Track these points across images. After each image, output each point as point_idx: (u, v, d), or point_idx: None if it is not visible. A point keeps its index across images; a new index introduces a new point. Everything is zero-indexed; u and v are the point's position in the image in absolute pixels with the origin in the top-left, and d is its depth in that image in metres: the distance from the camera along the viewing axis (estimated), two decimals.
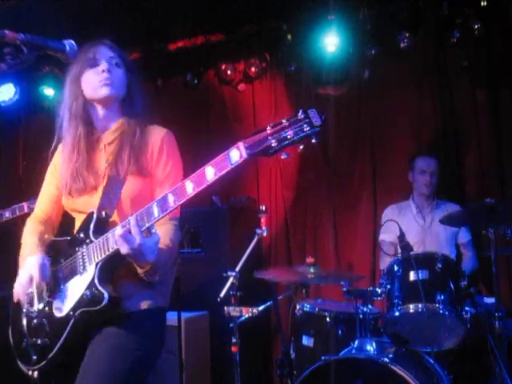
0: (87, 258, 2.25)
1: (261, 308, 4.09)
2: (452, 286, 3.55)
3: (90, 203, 2.37)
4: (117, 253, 2.14)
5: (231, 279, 4.05)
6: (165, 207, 2.01)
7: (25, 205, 4.40)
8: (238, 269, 4.11)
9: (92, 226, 2.28)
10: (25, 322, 2.36)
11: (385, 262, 4.54)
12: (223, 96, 5.91)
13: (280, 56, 5.57)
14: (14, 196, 6.23)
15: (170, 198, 2.00)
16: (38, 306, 2.34)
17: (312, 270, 3.99)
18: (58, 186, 2.53)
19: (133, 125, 2.41)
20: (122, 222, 2.10)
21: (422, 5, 4.96)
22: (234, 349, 4.07)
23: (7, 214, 4.37)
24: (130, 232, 2.05)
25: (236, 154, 1.87)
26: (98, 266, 2.20)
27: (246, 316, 4.05)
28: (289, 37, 5.34)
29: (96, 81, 2.37)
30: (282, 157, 1.89)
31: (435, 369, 3.49)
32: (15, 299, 2.39)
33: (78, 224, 2.42)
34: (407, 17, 5.01)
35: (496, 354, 3.51)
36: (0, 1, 4.63)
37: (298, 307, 4.11)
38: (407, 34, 5.00)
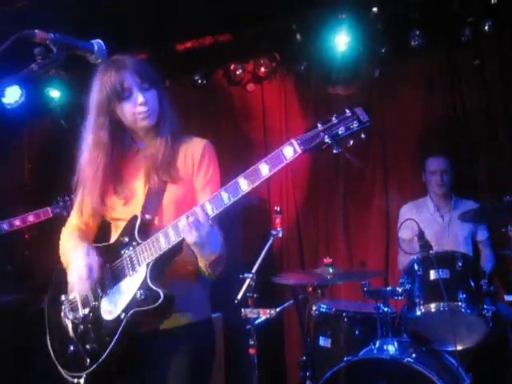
0: (136, 259, 2.28)
1: (278, 309, 4.06)
2: (473, 284, 3.55)
3: (130, 212, 2.39)
4: (167, 253, 2.20)
5: (248, 281, 4.03)
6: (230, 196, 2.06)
7: (49, 209, 4.37)
8: (254, 270, 4.09)
9: (137, 228, 2.30)
10: (70, 328, 2.38)
11: (401, 262, 4.53)
12: (232, 96, 5.87)
13: (290, 56, 5.54)
14: (19, 198, 6.21)
15: (224, 195, 2.07)
16: (83, 311, 2.35)
17: (330, 271, 3.97)
18: (93, 202, 2.50)
19: (168, 136, 2.41)
20: (186, 213, 2.11)
21: (432, 3, 4.93)
22: (251, 351, 4.03)
23: (31, 218, 4.32)
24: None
25: (290, 150, 1.98)
26: (150, 266, 2.23)
27: (264, 318, 4.03)
28: (298, 36, 5.31)
29: (135, 113, 2.35)
30: (334, 151, 1.97)
31: (457, 368, 3.48)
32: (71, 297, 2.40)
33: (115, 232, 2.46)
34: (418, 15, 4.98)
35: None
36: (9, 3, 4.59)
37: (314, 308, 4.09)
38: (418, 33, 4.97)
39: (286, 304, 4.22)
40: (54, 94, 6.21)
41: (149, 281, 2.21)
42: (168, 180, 2.37)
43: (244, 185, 2.03)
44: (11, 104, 6.06)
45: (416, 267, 3.63)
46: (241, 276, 4.02)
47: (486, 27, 4.78)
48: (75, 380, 2.31)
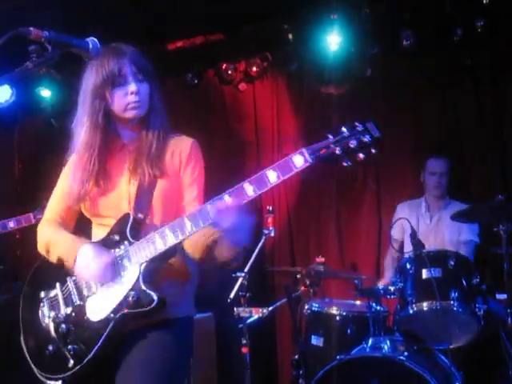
0: (127, 259, 2.20)
1: (271, 308, 4.07)
2: (465, 283, 3.57)
3: (113, 207, 2.34)
4: (162, 254, 2.15)
5: (240, 280, 4.03)
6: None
7: (31, 215, 4.30)
8: (246, 269, 4.10)
9: (129, 227, 2.24)
10: (51, 328, 2.29)
11: (387, 264, 4.56)
12: (224, 96, 5.87)
13: (282, 55, 5.55)
14: (9, 199, 6.18)
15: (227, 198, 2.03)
16: (65, 310, 2.28)
17: (322, 269, 3.99)
18: (73, 190, 2.43)
19: (160, 130, 2.39)
20: (210, 200, 2.07)
21: (424, 3, 4.95)
22: (244, 350, 4.05)
23: (12, 225, 4.25)
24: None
25: (300, 159, 1.98)
26: (143, 267, 2.17)
27: (256, 317, 4.04)
28: (290, 36, 5.32)
29: (125, 102, 2.32)
30: (344, 164, 1.99)
31: (449, 366, 3.50)
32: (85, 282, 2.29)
33: (97, 230, 2.40)
34: (409, 15, 5.01)
35: (509, 349, 3.53)
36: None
37: (306, 307, 4.10)
38: (409, 33, 4.99)
39: (279, 303, 4.24)
40: (45, 93, 6.18)
41: (141, 282, 2.15)
42: (158, 174, 2.32)
43: (250, 190, 2.00)
44: (1, 103, 6.03)
45: (408, 266, 3.65)
46: (233, 275, 4.03)
47: (478, 27, 4.80)
48: (52, 382, 2.24)
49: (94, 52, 2.08)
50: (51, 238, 2.41)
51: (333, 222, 5.43)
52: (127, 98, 2.30)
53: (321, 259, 4.01)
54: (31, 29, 1.90)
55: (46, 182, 5.13)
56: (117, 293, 2.18)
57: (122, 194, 2.35)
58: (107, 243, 2.28)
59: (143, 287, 2.14)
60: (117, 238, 2.25)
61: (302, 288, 4.15)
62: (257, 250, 4.20)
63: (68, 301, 2.29)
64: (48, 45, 1.94)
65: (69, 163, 2.48)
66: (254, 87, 5.78)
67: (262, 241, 4.27)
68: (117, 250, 2.24)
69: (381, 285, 4.26)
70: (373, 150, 1.98)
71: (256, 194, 2.00)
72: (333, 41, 5.14)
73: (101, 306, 2.20)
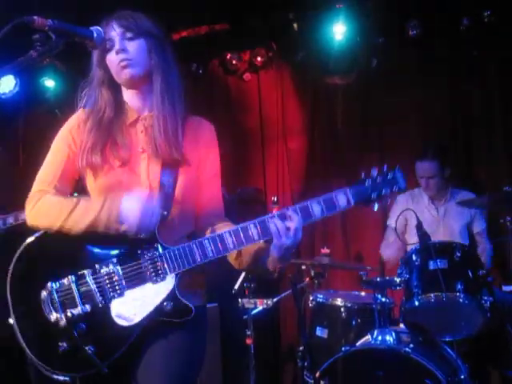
0: (161, 265, 2.08)
1: (275, 299, 4.07)
2: (471, 274, 3.54)
3: (126, 190, 2.10)
4: (200, 265, 2.09)
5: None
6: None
7: None
8: None
9: (156, 227, 2.08)
10: (66, 324, 2.08)
11: (384, 253, 4.55)
12: (228, 86, 5.85)
13: (287, 45, 5.51)
14: (14, 189, 6.16)
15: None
16: (83, 308, 2.09)
17: (327, 261, 3.98)
18: (72, 158, 2.22)
19: (165, 95, 2.20)
20: (278, 212, 2.09)
21: None
22: (248, 341, 4.06)
23: (10, 220, 4.10)
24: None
25: (343, 199, 2.12)
26: (179, 277, 2.09)
27: (260, 308, 4.04)
28: (295, 26, 5.28)
29: (115, 65, 2.17)
30: (374, 209, 2.17)
31: (455, 358, 3.49)
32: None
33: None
34: (415, 5, 4.97)
35: None
36: None
37: (310, 298, 4.09)
38: (415, 23, 4.96)
39: (283, 294, 4.23)
40: (49, 83, 6.16)
41: (177, 292, 2.07)
42: (180, 160, 2.16)
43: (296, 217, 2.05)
44: (6, 94, 6.01)
45: (414, 257, 3.62)
46: None
47: (485, 16, 4.75)
48: (59, 377, 2.11)
49: (99, 41, 2.07)
50: (64, 205, 2.13)
51: (338, 214, 5.39)
52: (115, 58, 2.16)
53: (326, 250, 4.00)
54: (35, 17, 1.88)
55: None
56: (150, 299, 2.08)
57: (139, 179, 2.16)
58: (131, 240, 2.09)
59: (179, 297, 2.07)
60: (143, 236, 2.08)
61: (307, 279, 4.15)
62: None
63: (88, 299, 2.10)
64: (52, 34, 1.93)
65: (68, 127, 2.28)
66: (258, 77, 5.75)
67: None
68: (146, 252, 2.09)
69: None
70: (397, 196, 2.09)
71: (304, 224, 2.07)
72: (338, 30, 5.10)
73: (130, 310, 2.08)
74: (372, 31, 5.13)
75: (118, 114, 2.23)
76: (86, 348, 2.06)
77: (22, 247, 2.18)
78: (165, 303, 2.07)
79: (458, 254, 3.53)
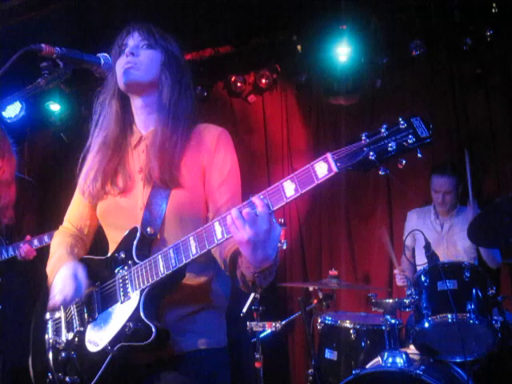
0: (129, 282, 1.91)
1: (284, 322, 4.04)
2: (480, 295, 3.50)
3: (126, 216, 2.04)
4: (165, 279, 1.84)
5: (253, 294, 4.00)
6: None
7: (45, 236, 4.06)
8: None
9: (135, 244, 1.94)
10: (50, 354, 2.04)
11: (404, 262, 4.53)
12: (233, 108, 5.88)
13: (291, 67, 5.54)
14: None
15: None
16: (66, 335, 2.03)
17: (335, 282, 3.96)
18: (85, 191, 2.19)
19: (164, 116, 2.06)
20: (238, 206, 1.69)
21: (433, 13, 4.93)
22: (257, 364, 4.02)
23: (36, 243, 4.02)
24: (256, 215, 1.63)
25: (323, 168, 1.59)
26: (144, 294, 1.86)
27: (269, 331, 4.01)
28: (299, 47, 5.31)
29: (120, 67, 2.08)
30: (380, 172, 1.63)
31: (466, 380, 3.44)
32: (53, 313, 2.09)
33: (111, 242, 2.11)
34: (419, 25, 5.00)
35: None
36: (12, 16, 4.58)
37: (319, 320, 4.06)
38: (419, 43, 4.98)
39: (292, 317, 4.21)
40: (55, 107, 6.19)
41: (141, 311, 1.84)
42: (170, 182, 1.98)
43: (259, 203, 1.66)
44: (11, 118, 6.05)
45: (423, 278, 3.59)
46: None
47: (488, 36, 4.77)
48: None
49: (106, 67, 2.07)
50: (52, 249, 2.20)
51: (344, 233, 5.40)
52: (123, 61, 2.07)
53: (334, 272, 3.98)
54: (43, 45, 1.90)
55: (56, 196, 5.17)
56: (115, 321, 1.91)
57: (136, 202, 2.05)
58: (111, 262, 2.00)
59: (142, 317, 1.83)
60: (122, 255, 1.97)
61: (315, 301, 4.12)
62: None
63: (70, 325, 2.05)
64: (60, 61, 1.94)
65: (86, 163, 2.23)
66: (263, 99, 5.78)
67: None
68: (121, 270, 1.95)
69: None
70: (419, 155, 1.58)
71: (274, 209, 1.65)
72: (342, 51, 5.13)
73: (99, 334, 1.94)
74: (376, 52, 5.16)
75: (123, 133, 2.15)
76: (66, 379, 1.97)
77: (44, 285, 2.17)
78: (127, 324, 1.85)
79: (468, 274, 3.50)
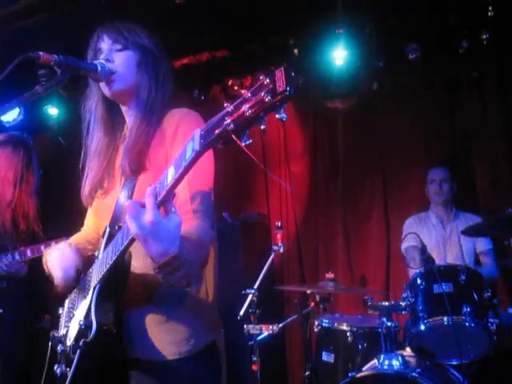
0: (91, 278, 1.91)
1: (281, 325, 4.05)
2: (476, 297, 3.52)
3: (107, 214, 2.04)
4: (112, 270, 1.78)
5: (250, 296, 4.02)
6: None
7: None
8: (256, 286, 4.08)
9: (104, 241, 1.93)
10: (50, 348, 2.11)
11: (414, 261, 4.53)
12: None
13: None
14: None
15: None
16: (62, 331, 2.05)
17: (332, 285, 3.98)
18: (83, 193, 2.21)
19: (141, 111, 2.04)
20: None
21: (428, 16, 4.95)
22: (254, 367, 4.03)
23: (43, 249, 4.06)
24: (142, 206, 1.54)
25: (190, 146, 1.46)
26: (97, 288, 1.84)
27: (266, 334, 4.02)
28: (296, 51, 5.33)
29: None
30: (242, 144, 1.44)
31: (461, 382, 3.46)
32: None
33: None
34: (414, 28, 5.02)
35: None
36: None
37: (316, 323, 4.07)
38: (415, 46, 5.00)
39: (289, 319, 4.22)
40: (53, 111, 6.21)
41: (92, 308, 1.80)
42: (137, 170, 1.95)
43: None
44: (10, 122, 6.06)
45: (419, 281, 3.61)
46: (243, 292, 4.01)
47: (484, 39, 4.80)
48: None
49: (103, 74, 2.09)
50: None
51: (341, 235, 5.42)
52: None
53: (330, 275, 3.99)
54: (40, 53, 1.92)
55: (54, 200, 5.17)
56: (78, 318, 1.91)
57: (114, 198, 2.05)
58: (90, 260, 2.00)
59: (91, 314, 1.79)
60: (96, 253, 1.97)
61: (312, 304, 4.14)
62: (266, 267, 4.19)
63: (66, 320, 2.08)
64: (57, 68, 1.97)
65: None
66: None
67: (271, 257, 4.26)
68: (92, 267, 1.95)
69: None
70: (278, 116, 1.38)
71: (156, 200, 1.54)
72: (338, 55, 5.15)
73: (71, 331, 1.95)
74: (372, 55, 5.17)
75: (113, 135, 2.16)
76: (56, 370, 1.95)
77: None
78: (80, 321, 1.83)
79: (463, 277, 3.52)
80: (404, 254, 4.53)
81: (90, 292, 1.87)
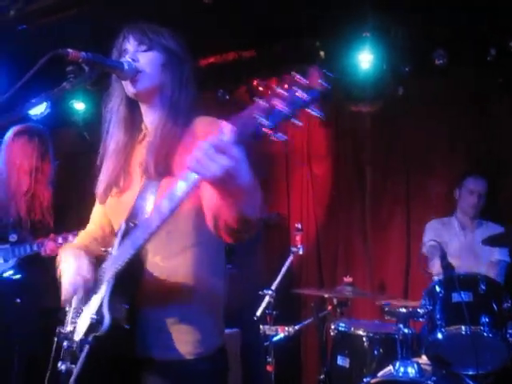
0: (104, 274, 1.94)
1: (297, 327, 4.06)
2: (495, 307, 3.48)
3: (123, 213, 2.05)
4: (129, 265, 1.81)
5: (267, 297, 4.03)
6: None
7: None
8: (274, 287, 4.09)
9: (119, 238, 1.94)
10: (55, 344, 2.11)
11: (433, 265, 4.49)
12: None
13: None
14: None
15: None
16: (69, 327, 2.08)
17: (349, 290, 3.97)
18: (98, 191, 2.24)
19: (167, 112, 2.07)
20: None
21: (456, 22, 4.91)
22: (269, 368, 4.04)
23: (60, 241, 3.97)
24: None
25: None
26: (110, 283, 1.86)
27: (282, 335, 4.03)
28: (322, 53, 5.31)
29: None
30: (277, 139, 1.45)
31: None
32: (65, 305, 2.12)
33: None
34: (442, 34, 4.98)
35: None
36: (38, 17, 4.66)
37: (332, 327, 4.07)
38: (442, 52, 4.96)
39: (305, 322, 4.22)
40: (79, 106, 6.27)
41: (105, 303, 1.82)
42: (163, 173, 1.96)
43: None
44: (37, 115, 6.12)
45: (438, 289, 3.58)
46: (260, 293, 4.03)
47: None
48: None
49: (130, 72, 2.11)
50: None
51: (361, 240, 5.41)
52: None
53: (349, 279, 3.99)
54: (69, 50, 1.94)
55: (79, 195, 5.22)
56: (90, 313, 1.92)
57: (132, 196, 2.06)
58: (104, 258, 2.03)
59: (103, 307, 1.82)
60: (109, 250, 1.99)
61: (329, 307, 4.13)
62: (285, 268, 4.20)
63: (74, 316, 2.10)
64: (85, 65, 1.99)
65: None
66: None
67: (290, 258, 4.27)
68: (105, 263, 1.98)
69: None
70: (313, 112, 1.43)
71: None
72: (364, 59, 5.13)
73: (81, 326, 1.98)
74: (398, 60, 5.15)
75: (132, 134, 2.19)
76: (62, 367, 1.97)
77: None
78: (93, 316, 1.85)
79: (483, 287, 3.49)
80: (426, 254, 4.50)
81: (103, 287, 1.90)
